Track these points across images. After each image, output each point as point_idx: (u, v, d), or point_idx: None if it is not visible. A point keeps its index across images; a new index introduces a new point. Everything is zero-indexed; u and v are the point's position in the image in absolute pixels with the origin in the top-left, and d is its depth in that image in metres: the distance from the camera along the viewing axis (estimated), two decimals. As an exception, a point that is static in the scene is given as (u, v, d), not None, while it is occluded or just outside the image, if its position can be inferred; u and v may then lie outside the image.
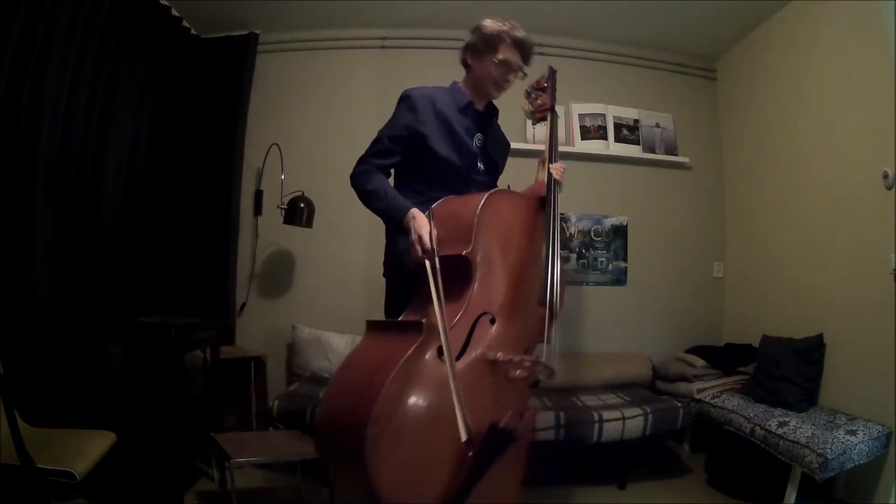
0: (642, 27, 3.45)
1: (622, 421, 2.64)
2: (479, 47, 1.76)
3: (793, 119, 3.03)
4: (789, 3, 3.03)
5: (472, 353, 1.45)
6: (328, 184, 3.42)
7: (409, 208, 1.58)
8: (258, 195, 3.47)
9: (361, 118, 3.54)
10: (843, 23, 2.66)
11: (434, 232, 1.48)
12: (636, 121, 3.63)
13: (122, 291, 2.87)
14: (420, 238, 1.49)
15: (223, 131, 3.39)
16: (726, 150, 3.71)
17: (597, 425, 2.61)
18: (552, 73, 1.99)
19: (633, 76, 3.68)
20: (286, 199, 3.27)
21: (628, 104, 3.63)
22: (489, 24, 1.77)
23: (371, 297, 3.33)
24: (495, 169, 1.90)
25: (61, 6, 2.35)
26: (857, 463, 2.13)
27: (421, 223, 1.52)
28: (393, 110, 1.77)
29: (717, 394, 2.89)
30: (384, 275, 1.81)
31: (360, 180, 1.69)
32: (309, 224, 3.22)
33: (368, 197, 1.66)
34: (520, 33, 1.75)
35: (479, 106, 1.84)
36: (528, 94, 1.96)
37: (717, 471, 2.67)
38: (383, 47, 3.58)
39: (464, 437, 1.28)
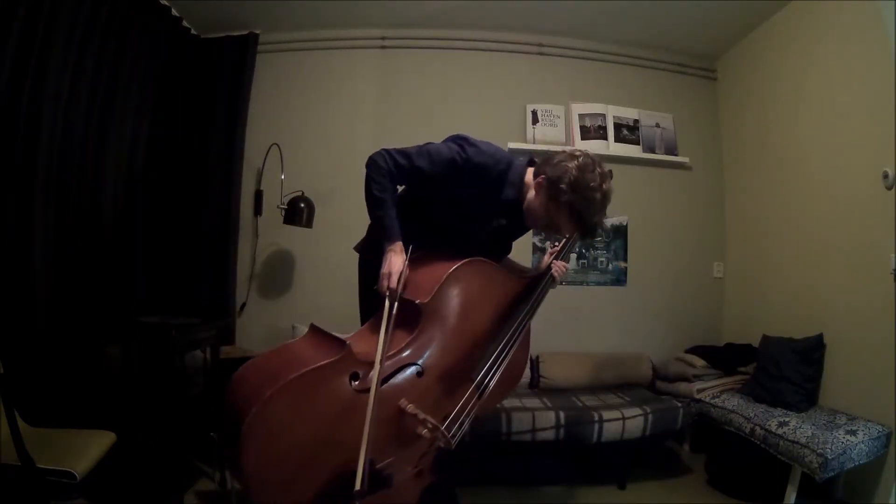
0: (642, 27, 3.45)
1: (622, 421, 2.64)
2: (562, 193, 1.55)
3: (793, 119, 3.02)
4: (789, 3, 3.03)
5: (386, 393, 1.45)
6: (328, 184, 3.42)
7: (397, 240, 1.61)
8: (258, 195, 3.47)
9: (361, 118, 3.55)
10: (843, 23, 2.65)
11: (405, 273, 1.56)
12: (636, 121, 3.63)
13: (122, 291, 2.87)
14: (389, 275, 1.55)
15: (223, 131, 3.39)
16: (726, 150, 3.71)
17: (597, 425, 2.61)
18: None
19: (633, 76, 3.68)
20: (286, 199, 3.27)
21: (628, 104, 3.63)
22: (589, 176, 1.56)
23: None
24: (501, 246, 1.97)
25: (61, 6, 2.35)
26: (857, 463, 2.14)
27: (396, 261, 1.57)
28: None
29: (717, 394, 2.89)
30: (362, 259, 1.88)
31: (373, 175, 1.67)
32: (309, 224, 3.22)
33: (373, 202, 1.66)
34: (593, 216, 1.56)
35: (515, 200, 1.72)
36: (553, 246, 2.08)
37: (717, 471, 2.67)
38: (383, 47, 3.58)
39: (357, 487, 1.25)
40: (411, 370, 1.52)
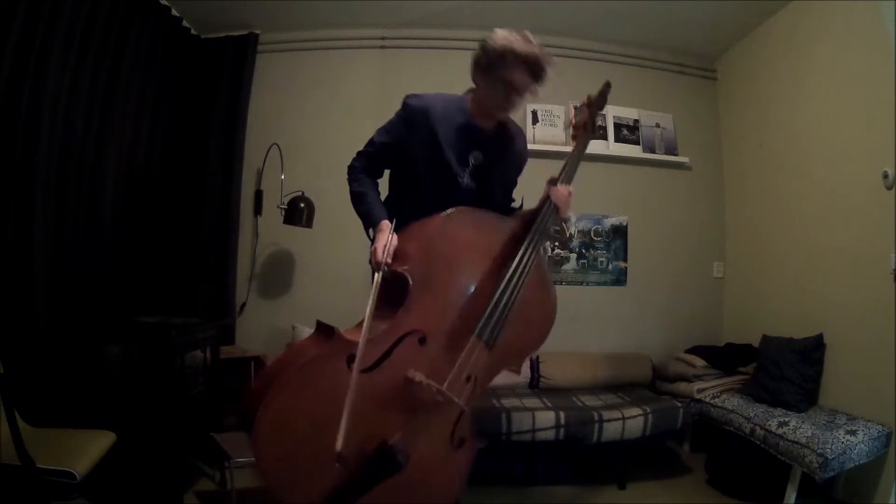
0: (642, 27, 3.45)
1: (622, 421, 2.64)
2: (483, 64, 1.61)
3: (793, 119, 3.03)
4: (789, 3, 3.03)
5: (390, 369, 1.41)
6: (328, 184, 3.41)
7: (381, 219, 1.61)
8: (258, 195, 3.47)
9: (361, 118, 3.53)
10: (843, 23, 2.66)
11: (393, 245, 1.52)
12: (636, 121, 3.63)
13: (122, 291, 2.87)
14: (375, 250, 1.52)
15: (223, 131, 3.39)
16: (726, 150, 3.71)
17: (597, 425, 2.61)
18: (605, 88, 1.86)
19: (633, 76, 3.67)
20: (286, 199, 3.27)
21: (628, 104, 3.63)
22: (495, 37, 1.59)
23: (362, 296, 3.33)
24: (490, 190, 1.77)
25: (61, 6, 2.35)
26: (857, 463, 2.14)
27: (382, 236, 1.55)
28: (395, 108, 1.77)
29: (717, 394, 2.89)
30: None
31: (350, 178, 1.77)
32: (309, 224, 3.22)
33: (353, 198, 1.74)
34: (529, 49, 1.56)
35: (486, 124, 1.72)
36: (575, 108, 1.88)
37: (717, 471, 2.67)
38: (383, 47, 3.58)
39: (338, 448, 1.24)
40: (412, 338, 1.46)
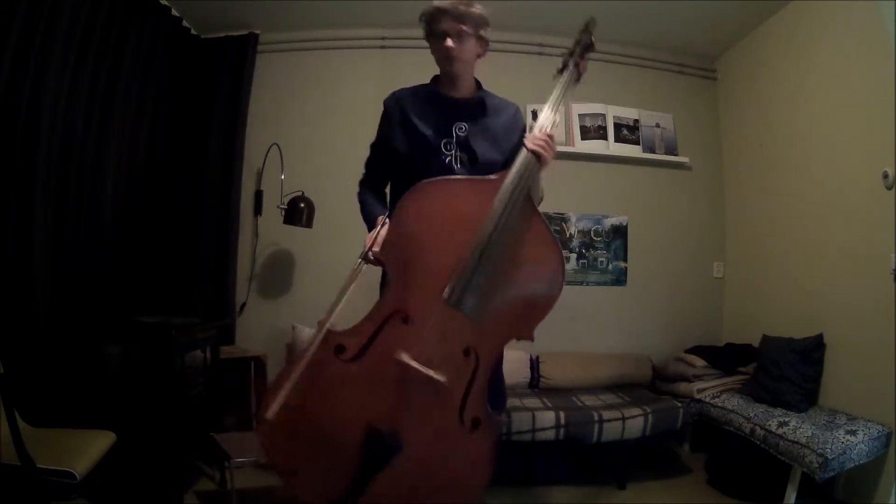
0: (642, 27, 3.44)
1: (622, 421, 2.64)
2: (425, 34, 1.74)
3: (793, 119, 3.02)
4: (789, 3, 3.03)
5: (379, 354, 1.41)
6: (328, 184, 3.42)
7: (378, 216, 1.63)
8: (258, 195, 3.46)
9: (361, 118, 3.52)
10: (843, 23, 2.66)
11: (382, 236, 1.52)
12: (636, 121, 3.63)
13: (122, 291, 2.87)
14: (365, 242, 1.54)
15: (223, 131, 3.39)
16: (726, 150, 3.71)
17: (597, 425, 2.62)
18: (588, 23, 1.84)
19: (633, 76, 3.68)
20: (286, 199, 3.27)
21: (628, 104, 3.63)
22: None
23: (371, 298, 3.33)
24: (489, 162, 1.69)
25: (61, 6, 2.35)
26: (857, 463, 2.14)
27: (373, 230, 1.57)
28: None
29: (717, 394, 2.89)
30: None
31: (358, 191, 1.83)
32: (309, 224, 3.22)
33: (360, 209, 1.79)
34: (439, 2, 1.65)
35: (458, 94, 1.75)
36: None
37: (717, 471, 2.67)
38: (383, 47, 3.58)
39: (268, 415, 1.27)
40: (395, 320, 1.44)
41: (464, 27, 1.65)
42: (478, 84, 1.82)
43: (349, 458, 1.36)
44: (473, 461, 1.44)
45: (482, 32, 1.71)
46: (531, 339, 1.49)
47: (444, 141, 1.69)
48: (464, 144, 1.69)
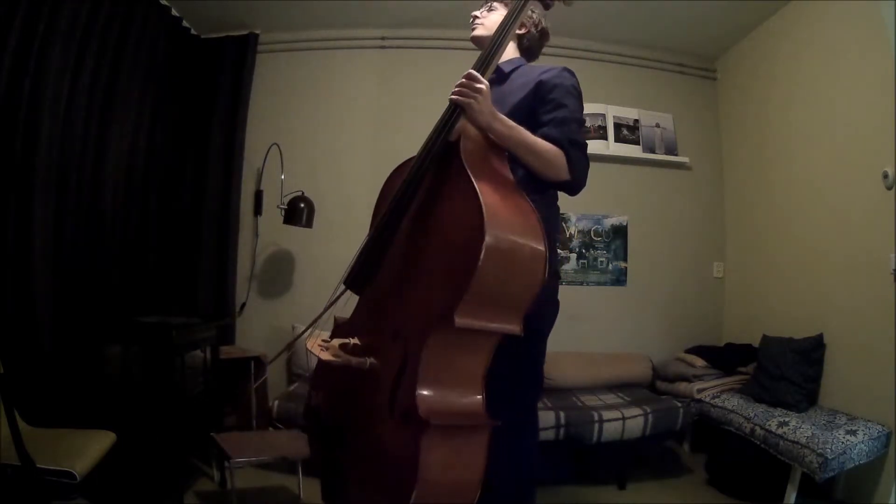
0: (642, 27, 3.44)
1: (622, 421, 2.64)
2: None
3: (793, 119, 3.02)
4: (789, 3, 3.03)
5: (336, 337, 1.39)
6: (328, 184, 3.42)
7: None
8: (258, 195, 3.47)
9: (361, 118, 3.55)
10: (842, 23, 2.65)
11: None
12: (636, 121, 3.63)
13: (122, 291, 2.87)
14: None
15: (223, 131, 3.40)
16: (726, 150, 3.71)
17: (597, 425, 2.61)
18: None
19: (633, 76, 3.68)
20: (286, 199, 3.27)
21: (628, 104, 3.63)
22: None
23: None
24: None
25: (61, 6, 2.35)
26: (857, 463, 2.13)
27: None
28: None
29: (717, 394, 2.89)
30: None
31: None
32: (309, 224, 3.22)
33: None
34: None
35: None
36: None
37: (717, 471, 2.67)
38: (383, 47, 3.58)
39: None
40: (361, 306, 1.43)
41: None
42: (522, 59, 1.61)
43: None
44: (405, 457, 1.12)
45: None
46: (452, 321, 1.10)
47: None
48: None
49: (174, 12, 3.23)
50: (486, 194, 1.14)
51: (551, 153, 1.34)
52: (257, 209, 3.46)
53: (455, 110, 1.25)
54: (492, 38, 1.35)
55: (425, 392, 1.15)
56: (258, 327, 3.41)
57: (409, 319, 1.23)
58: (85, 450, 1.85)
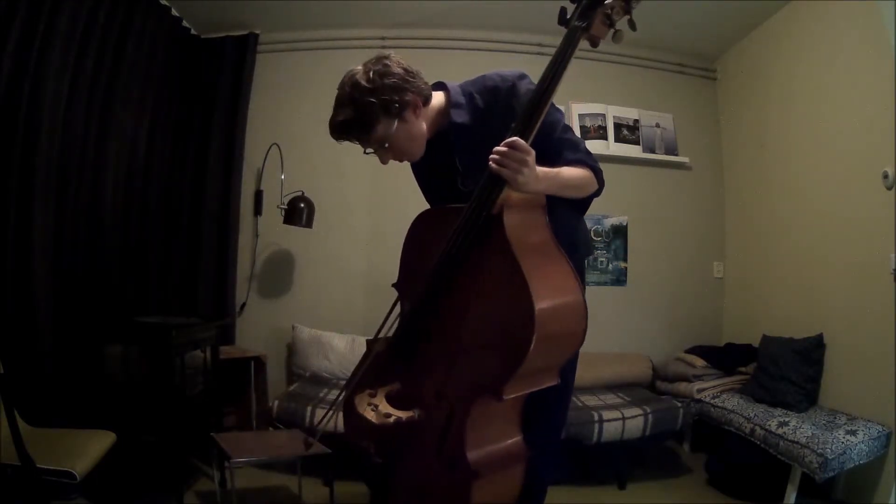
0: (642, 27, 3.42)
1: (622, 421, 2.64)
2: None
3: (793, 119, 3.02)
4: (789, 3, 3.03)
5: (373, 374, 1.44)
6: (328, 184, 3.42)
7: None
8: (258, 195, 3.47)
9: (361, 118, 3.54)
10: (842, 23, 2.66)
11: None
12: (636, 121, 3.63)
13: (122, 291, 2.87)
14: None
15: (223, 131, 3.40)
16: (726, 150, 3.71)
17: (597, 425, 2.61)
18: None
19: (633, 76, 3.68)
20: (286, 199, 3.27)
21: (628, 104, 3.63)
22: None
23: (371, 297, 3.34)
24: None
25: (61, 6, 2.35)
26: (857, 463, 2.14)
27: None
28: None
29: (717, 394, 2.89)
30: None
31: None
32: (309, 224, 3.22)
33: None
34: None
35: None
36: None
37: (717, 471, 2.67)
38: (383, 47, 3.58)
39: None
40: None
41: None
42: (448, 103, 1.55)
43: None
44: (449, 492, 1.25)
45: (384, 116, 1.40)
46: (500, 397, 1.13)
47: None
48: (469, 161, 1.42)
49: (174, 12, 3.23)
50: (535, 278, 1.12)
51: (586, 178, 1.42)
52: (257, 209, 3.46)
53: (498, 183, 1.15)
54: (535, 92, 1.19)
55: (473, 452, 1.22)
56: (258, 327, 3.41)
57: (453, 385, 1.26)
58: (85, 450, 1.85)
